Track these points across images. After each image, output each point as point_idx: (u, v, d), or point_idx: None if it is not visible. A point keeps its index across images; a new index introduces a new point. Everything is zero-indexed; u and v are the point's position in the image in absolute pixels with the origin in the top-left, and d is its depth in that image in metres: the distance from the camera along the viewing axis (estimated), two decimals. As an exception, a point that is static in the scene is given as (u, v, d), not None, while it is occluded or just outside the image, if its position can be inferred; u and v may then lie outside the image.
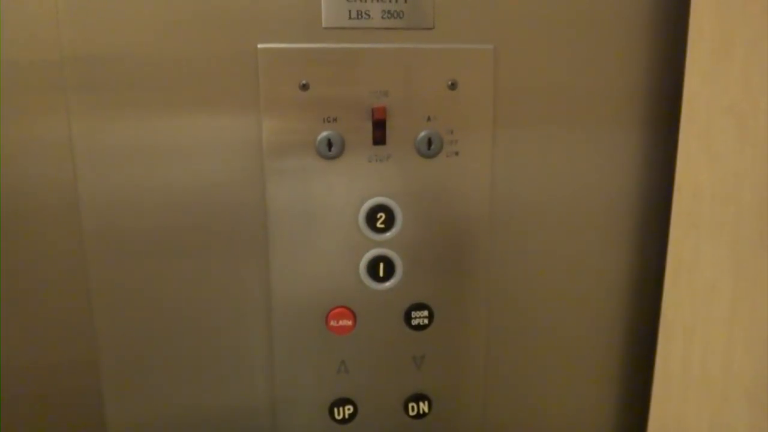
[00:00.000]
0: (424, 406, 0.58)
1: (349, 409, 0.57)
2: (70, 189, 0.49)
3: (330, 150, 0.50)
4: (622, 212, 0.57)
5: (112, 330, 0.53)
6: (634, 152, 0.56)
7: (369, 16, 0.50)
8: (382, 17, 0.50)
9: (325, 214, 0.52)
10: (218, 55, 0.49)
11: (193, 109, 0.49)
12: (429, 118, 0.51)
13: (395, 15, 0.50)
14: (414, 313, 0.55)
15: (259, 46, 0.49)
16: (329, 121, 0.50)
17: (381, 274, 0.54)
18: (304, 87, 0.49)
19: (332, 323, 0.55)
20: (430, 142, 0.51)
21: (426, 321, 0.56)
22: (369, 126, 0.51)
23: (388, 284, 0.54)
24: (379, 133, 0.51)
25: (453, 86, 0.51)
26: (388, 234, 0.53)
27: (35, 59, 0.47)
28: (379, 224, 0.53)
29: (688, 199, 0.53)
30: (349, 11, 0.49)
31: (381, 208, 0.52)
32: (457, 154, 0.52)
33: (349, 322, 0.55)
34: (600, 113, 0.55)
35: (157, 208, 0.51)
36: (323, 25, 0.49)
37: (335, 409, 0.57)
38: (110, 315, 0.52)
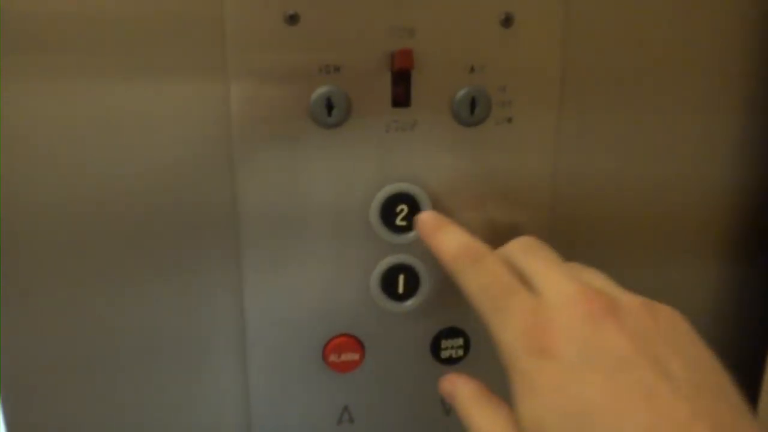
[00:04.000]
0: (455, 464, 0.43)
1: (354, 471, 0.42)
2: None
3: (330, 114, 0.34)
4: (726, 214, 0.42)
5: (18, 367, 0.37)
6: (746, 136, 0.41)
7: None
8: None
9: (322, 207, 0.37)
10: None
11: (129, 68, 0.33)
12: (473, 69, 0.35)
13: None
14: (444, 342, 0.40)
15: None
16: (329, 72, 0.34)
17: (400, 289, 0.39)
18: (292, 20, 0.33)
19: (332, 358, 0.39)
20: (473, 103, 0.36)
21: (460, 352, 0.41)
22: (387, 79, 0.35)
23: (409, 303, 0.39)
24: (402, 89, 0.35)
25: (507, 22, 0.35)
26: (411, 234, 0.37)
27: None
28: (399, 221, 0.37)
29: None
30: None
31: (402, 197, 0.37)
32: (510, 120, 0.37)
33: (356, 356, 0.39)
34: (713, 69, 0.39)
35: (87, 210, 0.35)
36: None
37: (335, 471, 0.42)
38: (19, 348, 0.37)
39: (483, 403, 0.32)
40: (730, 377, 0.27)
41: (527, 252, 0.33)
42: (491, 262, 0.31)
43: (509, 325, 0.29)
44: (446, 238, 0.34)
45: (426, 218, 0.35)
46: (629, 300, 0.28)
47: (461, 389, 0.33)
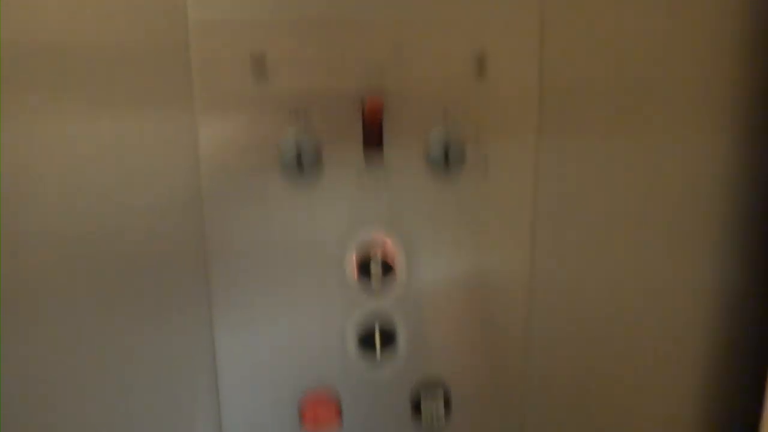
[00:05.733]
0: None
1: None
2: None
3: (299, 163, 0.34)
4: (722, 250, 0.41)
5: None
6: (735, 163, 0.40)
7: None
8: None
9: (294, 258, 0.35)
10: (140, 36, 0.32)
11: (96, 102, 0.33)
12: (444, 115, 0.35)
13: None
14: (425, 403, 0.38)
15: (191, 15, 0.33)
16: (297, 114, 0.34)
17: (377, 342, 0.37)
18: (259, 69, 0.33)
19: (308, 418, 0.37)
20: (446, 150, 0.35)
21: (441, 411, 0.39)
22: (358, 128, 0.34)
23: (386, 357, 0.37)
24: (374, 137, 0.34)
25: (480, 68, 0.35)
26: (386, 287, 0.36)
27: None
28: (374, 272, 0.36)
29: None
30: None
31: (377, 247, 0.36)
32: (485, 169, 0.36)
33: (333, 416, 0.38)
34: (692, 107, 0.38)
35: (58, 247, 0.34)
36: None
37: None
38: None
39: None
40: None
41: None
42: None
43: None
44: None
45: None
46: None
47: None
